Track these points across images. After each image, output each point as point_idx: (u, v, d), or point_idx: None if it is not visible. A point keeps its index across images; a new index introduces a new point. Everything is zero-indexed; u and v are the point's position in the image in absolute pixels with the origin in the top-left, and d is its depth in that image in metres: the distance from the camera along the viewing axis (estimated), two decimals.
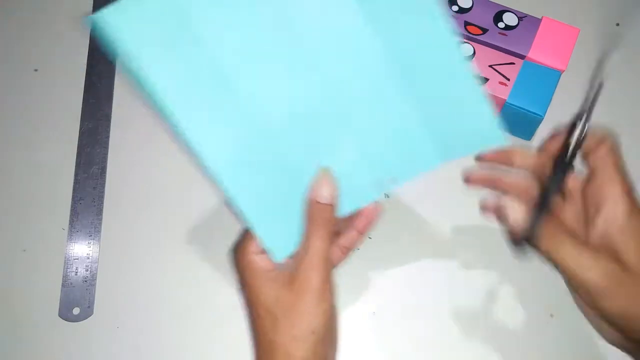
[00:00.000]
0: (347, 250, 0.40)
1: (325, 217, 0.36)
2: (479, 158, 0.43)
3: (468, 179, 0.43)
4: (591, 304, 0.35)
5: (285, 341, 0.34)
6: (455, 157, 0.38)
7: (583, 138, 0.37)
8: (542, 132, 0.46)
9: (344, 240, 0.39)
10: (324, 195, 0.36)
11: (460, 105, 0.36)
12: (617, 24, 0.51)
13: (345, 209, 0.38)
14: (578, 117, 0.37)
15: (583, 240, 0.36)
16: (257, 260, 0.36)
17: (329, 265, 0.36)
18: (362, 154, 0.37)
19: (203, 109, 0.33)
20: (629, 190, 0.36)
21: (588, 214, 0.37)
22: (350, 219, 0.39)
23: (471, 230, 0.45)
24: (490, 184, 0.42)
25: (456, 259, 0.44)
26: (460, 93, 0.35)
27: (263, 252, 0.36)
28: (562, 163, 0.37)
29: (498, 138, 0.36)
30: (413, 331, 0.43)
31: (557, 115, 0.45)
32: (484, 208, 0.42)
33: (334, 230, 0.37)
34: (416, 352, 0.42)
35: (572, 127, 0.37)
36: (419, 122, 0.37)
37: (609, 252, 0.35)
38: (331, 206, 0.36)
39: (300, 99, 0.35)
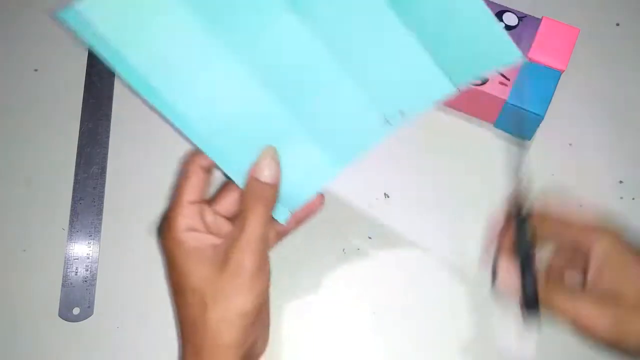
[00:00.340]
0: (280, 236, 0.39)
1: (265, 196, 0.35)
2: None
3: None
4: (608, 348, 0.34)
5: (214, 323, 0.33)
6: (469, 80, 0.36)
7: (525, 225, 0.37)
8: (542, 132, 0.46)
9: (279, 225, 0.38)
10: (266, 173, 0.35)
11: (467, 26, 0.34)
12: (617, 24, 0.51)
13: (353, 151, 0.37)
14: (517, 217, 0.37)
15: (582, 290, 0.36)
16: (186, 239, 0.34)
17: (265, 247, 0.34)
18: (365, 91, 0.36)
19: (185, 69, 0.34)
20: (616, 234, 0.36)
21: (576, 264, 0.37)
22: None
23: (471, 230, 0.45)
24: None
25: (456, 258, 0.44)
26: (465, 13, 0.34)
27: (193, 229, 0.35)
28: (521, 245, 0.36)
29: (512, 54, 0.34)
30: (413, 331, 0.43)
31: (557, 115, 0.46)
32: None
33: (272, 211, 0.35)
34: (416, 352, 0.42)
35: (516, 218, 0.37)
36: (424, 49, 0.35)
37: (609, 297, 0.34)
38: (273, 186, 0.35)
39: (293, 41, 0.35)
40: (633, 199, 0.46)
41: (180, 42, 0.33)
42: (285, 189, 0.37)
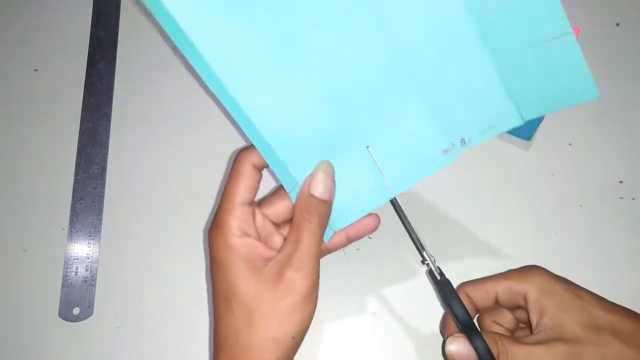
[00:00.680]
0: (327, 252, 0.38)
1: (318, 212, 0.34)
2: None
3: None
4: None
5: (259, 341, 0.32)
6: (539, 114, 0.36)
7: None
8: (542, 132, 0.46)
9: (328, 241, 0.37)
10: (320, 189, 0.34)
11: (551, 59, 0.33)
12: (617, 24, 0.51)
13: (409, 178, 0.36)
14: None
15: (526, 336, 0.36)
16: (238, 245, 0.33)
17: (318, 266, 0.34)
18: (431, 116, 0.35)
19: (260, 76, 0.33)
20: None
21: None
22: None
23: (471, 230, 0.45)
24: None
25: (456, 259, 0.44)
26: (553, 46, 0.33)
27: (246, 234, 0.34)
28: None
29: (590, 92, 0.34)
30: (413, 331, 0.43)
31: (557, 115, 0.46)
32: None
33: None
34: (416, 352, 0.42)
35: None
36: (498, 76, 0.35)
37: (556, 336, 0.34)
38: (327, 203, 0.34)
39: (366, 59, 0.34)
40: (633, 199, 0.46)
41: (254, 43, 0.32)
42: (334, 206, 0.36)
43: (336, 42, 0.33)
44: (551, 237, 0.45)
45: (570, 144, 0.47)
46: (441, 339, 0.42)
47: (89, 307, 0.44)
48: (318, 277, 0.33)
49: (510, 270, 0.38)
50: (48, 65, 0.51)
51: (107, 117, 0.49)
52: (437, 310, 0.43)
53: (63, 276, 0.44)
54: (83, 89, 0.50)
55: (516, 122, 0.36)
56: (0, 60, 0.52)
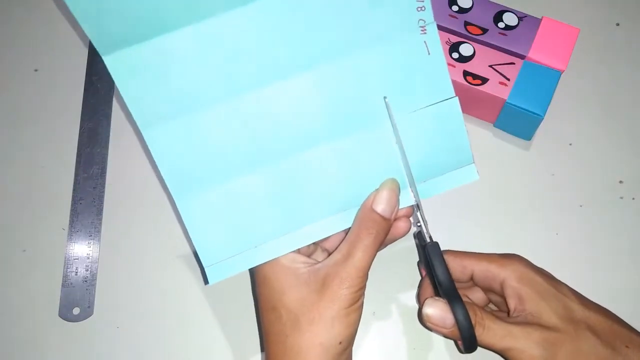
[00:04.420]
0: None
1: (378, 229, 0.34)
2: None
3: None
4: None
5: (309, 347, 0.33)
6: (427, 197, 0.37)
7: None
8: (542, 132, 0.46)
9: None
10: (383, 206, 0.34)
11: (433, 128, 0.36)
12: (617, 24, 0.51)
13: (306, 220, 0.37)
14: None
15: (503, 316, 0.36)
16: (281, 258, 0.35)
17: (366, 280, 0.34)
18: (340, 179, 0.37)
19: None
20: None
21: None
22: None
23: (471, 230, 0.45)
24: None
25: None
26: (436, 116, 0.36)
27: None
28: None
29: (470, 176, 0.37)
30: (413, 331, 0.43)
31: (557, 115, 0.46)
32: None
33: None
34: (416, 352, 0.42)
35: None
36: (401, 157, 0.36)
37: (533, 322, 0.34)
38: (387, 220, 0.34)
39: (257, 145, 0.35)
40: (633, 199, 0.46)
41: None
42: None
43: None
44: (551, 237, 0.45)
45: (570, 144, 0.47)
46: (441, 339, 0.42)
47: (89, 307, 0.44)
48: (363, 290, 0.34)
49: (491, 254, 0.38)
50: (48, 65, 0.51)
51: (107, 117, 0.49)
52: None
53: (63, 276, 0.44)
54: (83, 89, 0.50)
55: (408, 202, 0.37)
56: (0, 60, 0.52)
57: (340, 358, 0.34)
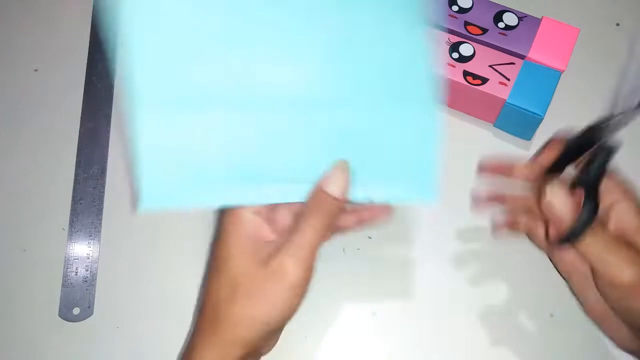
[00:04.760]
0: (338, 231, 0.38)
1: (328, 210, 0.33)
2: (481, 168, 0.42)
3: (477, 200, 0.43)
4: (620, 304, 0.34)
5: (236, 317, 0.32)
6: (379, 200, 0.36)
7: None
8: (542, 132, 0.46)
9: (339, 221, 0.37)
10: (333, 188, 0.34)
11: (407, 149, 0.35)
12: (617, 24, 0.51)
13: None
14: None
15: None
16: (247, 221, 0.34)
17: (314, 259, 0.33)
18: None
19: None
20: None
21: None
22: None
23: (471, 230, 0.45)
24: (499, 200, 0.42)
25: (456, 259, 0.44)
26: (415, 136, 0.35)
27: (258, 213, 0.34)
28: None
29: (430, 198, 0.36)
30: (413, 331, 0.43)
31: (557, 115, 0.45)
32: (497, 225, 0.42)
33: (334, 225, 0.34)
34: (416, 352, 0.42)
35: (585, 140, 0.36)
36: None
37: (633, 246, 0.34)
38: (337, 200, 0.34)
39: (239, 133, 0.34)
40: None
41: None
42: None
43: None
44: None
45: None
46: (441, 339, 0.42)
47: (89, 307, 0.44)
48: (311, 271, 0.33)
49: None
50: (48, 65, 0.51)
51: (107, 117, 0.49)
52: (437, 309, 0.43)
53: (63, 276, 0.44)
54: (83, 89, 0.50)
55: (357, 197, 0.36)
56: (0, 60, 0.52)
57: (267, 339, 0.33)
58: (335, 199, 0.34)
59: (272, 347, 0.37)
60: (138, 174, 0.33)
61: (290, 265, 0.32)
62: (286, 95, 0.34)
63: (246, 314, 0.32)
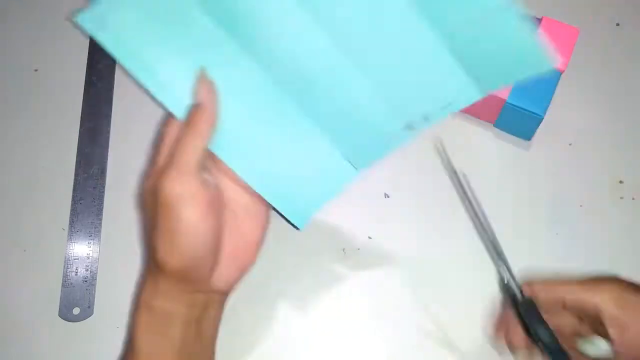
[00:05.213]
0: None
1: (197, 118, 0.33)
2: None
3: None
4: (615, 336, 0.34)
5: (152, 249, 0.33)
6: (498, 87, 0.35)
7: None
8: (542, 132, 0.46)
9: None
10: (195, 96, 0.33)
11: (501, 32, 0.31)
12: (617, 24, 0.51)
13: (373, 154, 0.37)
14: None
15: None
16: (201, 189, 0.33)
17: (197, 176, 0.32)
18: (386, 95, 0.35)
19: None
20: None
21: None
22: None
23: (471, 230, 0.45)
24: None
25: (456, 259, 0.44)
26: (500, 19, 0.31)
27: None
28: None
29: (545, 63, 0.32)
30: (413, 331, 0.43)
31: (557, 115, 0.46)
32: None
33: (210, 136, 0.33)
34: (416, 352, 0.42)
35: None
36: (450, 53, 0.34)
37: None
38: (204, 106, 0.33)
39: (305, 40, 0.34)
40: (633, 199, 0.46)
41: (194, 40, 0.34)
42: (304, 190, 0.36)
43: (275, 34, 0.34)
44: (551, 237, 0.45)
45: (570, 144, 0.47)
46: (440, 339, 0.42)
47: (89, 307, 0.44)
48: (193, 188, 0.32)
49: (584, 279, 0.36)
50: (48, 65, 0.51)
51: (107, 117, 0.49)
52: (436, 310, 0.43)
53: (63, 276, 0.44)
54: (83, 89, 0.50)
55: (476, 96, 0.35)
56: (0, 60, 0.52)
57: (187, 256, 0.33)
58: (197, 106, 0.33)
59: (213, 269, 0.35)
60: None
61: (166, 188, 0.32)
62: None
63: (155, 247, 0.33)
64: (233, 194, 0.36)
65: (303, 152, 0.37)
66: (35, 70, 0.51)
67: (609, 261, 0.44)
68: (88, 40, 0.52)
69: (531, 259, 0.43)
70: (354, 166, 0.39)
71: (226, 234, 0.35)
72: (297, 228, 0.38)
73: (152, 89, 0.34)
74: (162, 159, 0.34)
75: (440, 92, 0.35)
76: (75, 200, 0.47)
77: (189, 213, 0.32)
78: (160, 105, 0.34)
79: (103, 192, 0.47)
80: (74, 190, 0.47)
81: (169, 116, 0.35)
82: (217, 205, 0.34)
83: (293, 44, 0.34)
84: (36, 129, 0.49)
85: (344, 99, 0.36)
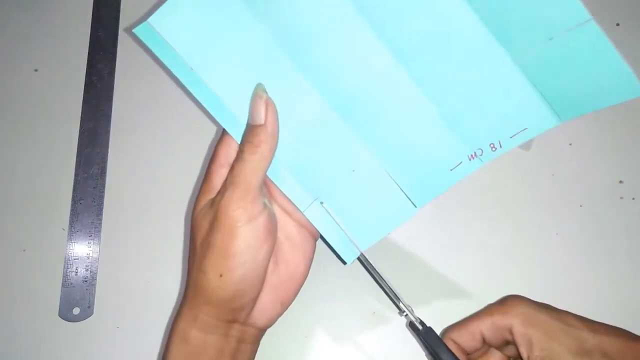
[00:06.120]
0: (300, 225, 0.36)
1: (259, 140, 0.31)
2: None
3: None
4: None
5: (201, 278, 0.32)
6: (578, 115, 0.33)
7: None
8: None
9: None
10: (254, 116, 0.31)
11: (570, 49, 0.30)
12: (617, 24, 0.51)
13: (436, 188, 0.35)
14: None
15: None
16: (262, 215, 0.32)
17: (259, 200, 0.31)
18: (452, 123, 0.33)
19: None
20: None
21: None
22: None
23: (471, 230, 0.45)
24: None
25: (456, 259, 0.44)
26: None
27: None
28: None
29: (633, 90, 0.31)
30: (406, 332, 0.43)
31: None
32: None
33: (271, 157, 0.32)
34: (416, 352, 0.42)
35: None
36: (525, 77, 0.32)
37: None
38: (263, 127, 0.31)
39: (368, 61, 0.32)
40: (633, 199, 0.46)
41: (253, 56, 0.32)
42: (357, 225, 0.35)
43: (335, 55, 0.32)
44: (551, 237, 0.45)
45: (570, 144, 0.47)
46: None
47: (89, 307, 0.44)
48: (256, 209, 0.31)
49: (490, 305, 0.37)
50: (48, 65, 0.51)
51: (107, 117, 0.49)
52: (436, 310, 0.43)
53: (63, 276, 0.45)
54: (83, 89, 0.50)
55: (552, 122, 0.33)
56: (0, 60, 0.52)
57: (236, 290, 0.32)
58: (258, 126, 0.32)
59: (266, 318, 0.35)
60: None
61: (229, 210, 0.31)
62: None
63: (204, 270, 0.32)
64: (282, 222, 0.35)
65: (360, 184, 0.35)
66: (35, 70, 0.51)
67: (609, 261, 0.44)
68: (88, 40, 0.52)
69: (531, 259, 0.43)
70: (412, 203, 0.36)
71: (271, 264, 0.34)
72: (344, 262, 0.37)
73: (208, 106, 0.32)
74: (218, 178, 0.33)
75: (513, 119, 0.33)
76: (75, 200, 0.47)
77: (248, 236, 0.31)
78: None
79: (103, 192, 0.47)
80: (74, 190, 0.47)
81: (223, 134, 0.34)
82: (274, 232, 0.33)
83: (356, 67, 0.32)
84: (36, 129, 0.49)
85: (407, 127, 0.34)
